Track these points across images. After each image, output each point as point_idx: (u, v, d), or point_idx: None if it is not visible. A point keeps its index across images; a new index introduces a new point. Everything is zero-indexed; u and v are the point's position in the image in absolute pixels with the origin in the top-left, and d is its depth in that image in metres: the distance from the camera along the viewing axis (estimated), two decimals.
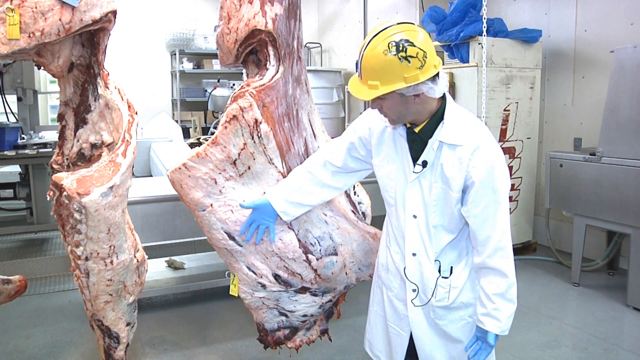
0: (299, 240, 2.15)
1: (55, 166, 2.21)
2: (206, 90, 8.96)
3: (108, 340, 2.15)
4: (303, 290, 2.25)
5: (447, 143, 1.76)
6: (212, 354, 3.17)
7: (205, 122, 9.52)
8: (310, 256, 2.17)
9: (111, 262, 1.95)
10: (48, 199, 1.87)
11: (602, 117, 3.93)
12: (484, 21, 3.75)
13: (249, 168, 2.04)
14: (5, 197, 5.21)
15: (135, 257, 2.10)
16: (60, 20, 1.87)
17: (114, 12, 2.02)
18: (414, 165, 1.83)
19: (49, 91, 7.76)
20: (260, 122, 1.98)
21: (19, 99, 5.34)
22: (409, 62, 1.62)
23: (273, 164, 2.06)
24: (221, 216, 2.04)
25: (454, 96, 4.66)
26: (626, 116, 3.74)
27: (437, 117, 1.78)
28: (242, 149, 1.99)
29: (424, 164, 1.80)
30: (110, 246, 1.91)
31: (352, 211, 2.37)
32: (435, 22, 4.79)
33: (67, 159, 2.17)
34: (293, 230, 2.15)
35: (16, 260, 4.51)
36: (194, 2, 9.59)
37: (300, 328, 2.38)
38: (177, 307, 3.86)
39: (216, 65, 9.44)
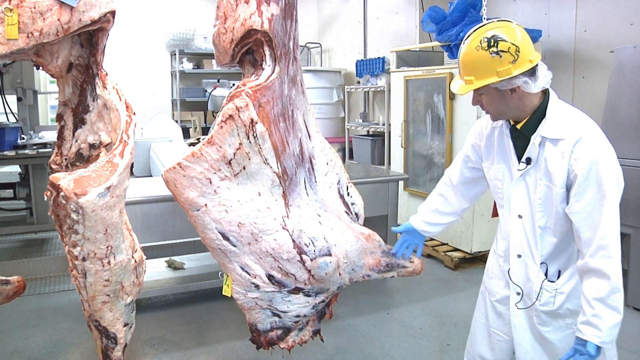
0: (293, 240, 2.14)
1: (53, 166, 2.20)
2: (206, 90, 8.98)
3: (105, 341, 2.14)
4: (296, 290, 2.24)
5: (549, 138, 1.73)
6: (211, 354, 3.17)
7: (205, 122, 9.53)
8: (304, 257, 2.17)
9: (108, 263, 1.94)
10: (45, 199, 1.86)
11: (602, 117, 3.92)
12: (484, 21, 3.74)
13: (244, 168, 2.03)
14: (5, 197, 5.21)
15: (133, 257, 2.10)
16: (58, 20, 1.86)
17: (113, 13, 2.01)
18: (519, 164, 1.81)
19: (49, 91, 7.76)
20: (256, 122, 1.97)
21: (19, 99, 5.34)
22: (500, 56, 1.65)
23: (268, 164, 2.06)
24: (215, 216, 2.03)
25: (453, 97, 4.66)
26: (626, 116, 3.73)
27: (540, 112, 1.76)
28: (237, 149, 1.98)
29: (528, 160, 1.78)
30: (107, 247, 1.91)
31: (346, 212, 2.37)
32: (435, 22, 4.78)
33: (65, 159, 2.17)
34: (287, 230, 2.15)
35: (16, 260, 4.51)
36: (194, 2, 9.60)
37: (293, 329, 2.37)
38: (177, 307, 3.86)
39: (216, 65, 9.45)
